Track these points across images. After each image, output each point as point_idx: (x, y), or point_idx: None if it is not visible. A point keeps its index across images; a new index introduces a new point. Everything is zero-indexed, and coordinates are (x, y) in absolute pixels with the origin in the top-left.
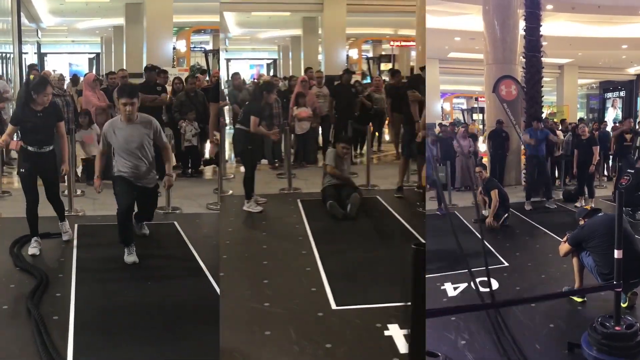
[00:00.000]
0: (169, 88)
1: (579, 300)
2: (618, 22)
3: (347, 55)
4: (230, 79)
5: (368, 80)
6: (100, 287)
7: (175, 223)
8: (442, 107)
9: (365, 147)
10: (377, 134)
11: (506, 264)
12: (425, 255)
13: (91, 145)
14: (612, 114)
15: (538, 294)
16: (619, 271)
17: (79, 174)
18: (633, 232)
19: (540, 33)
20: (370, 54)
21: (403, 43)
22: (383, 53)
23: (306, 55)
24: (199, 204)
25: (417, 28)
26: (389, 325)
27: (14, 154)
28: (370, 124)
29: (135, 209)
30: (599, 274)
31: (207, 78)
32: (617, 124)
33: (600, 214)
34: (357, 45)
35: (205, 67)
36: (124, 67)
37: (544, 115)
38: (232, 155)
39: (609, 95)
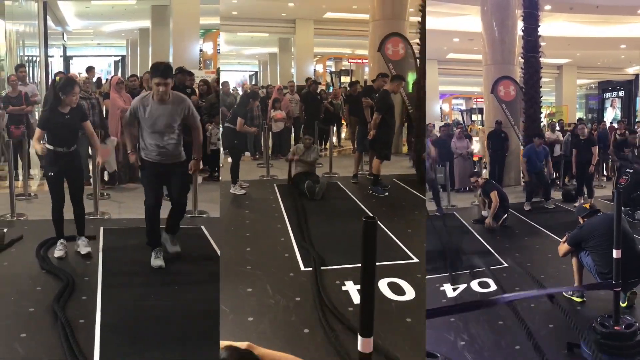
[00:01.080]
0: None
1: (579, 300)
2: (616, 22)
3: (315, 69)
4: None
5: (331, 90)
6: (127, 291)
7: (203, 227)
8: (441, 108)
9: (328, 143)
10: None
11: (505, 265)
12: (375, 226)
13: (109, 161)
14: (611, 114)
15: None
16: (617, 271)
17: (106, 178)
18: (632, 232)
19: (539, 33)
20: (333, 69)
21: (358, 60)
22: (343, 68)
23: (281, 69)
24: None
25: (369, 49)
26: (346, 282)
27: (34, 157)
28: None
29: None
30: (598, 273)
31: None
32: (616, 125)
33: (599, 214)
34: (322, 62)
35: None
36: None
37: (542, 116)
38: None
39: (608, 95)
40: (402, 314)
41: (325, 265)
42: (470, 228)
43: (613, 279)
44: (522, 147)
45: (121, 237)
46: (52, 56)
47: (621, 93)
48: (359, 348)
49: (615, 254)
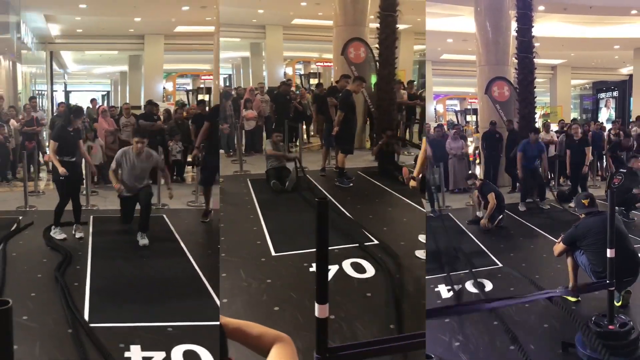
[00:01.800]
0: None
1: (574, 299)
2: (610, 23)
3: (285, 72)
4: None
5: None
6: (109, 263)
7: (164, 216)
8: (435, 109)
9: (298, 140)
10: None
11: (500, 265)
12: (327, 206)
13: (95, 155)
14: (606, 114)
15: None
16: (611, 270)
17: (95, 179)
18: (627, 231)
19: (533, 34)
20: (302, 72)
21: (325, 64)
22: (311, 71)
23: (254, 72)
24: (182, 202)
25: (334, 53)
26: (313, 264)
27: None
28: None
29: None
30: (593, 272)
31: (186, 109)
32: (610, 125)
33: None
34: (292, 65)
35: (186, 102)
36: (127, 101)
37: (537, 117)
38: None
39: (602, 95)
40: (363, 289)
41: (293, 250)
42: (464, 229)
43: (607, 278)
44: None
45: (106, 223)
46: (56, 91)
47: (615, 93)
48: (316, 314)
49: (609, 253)
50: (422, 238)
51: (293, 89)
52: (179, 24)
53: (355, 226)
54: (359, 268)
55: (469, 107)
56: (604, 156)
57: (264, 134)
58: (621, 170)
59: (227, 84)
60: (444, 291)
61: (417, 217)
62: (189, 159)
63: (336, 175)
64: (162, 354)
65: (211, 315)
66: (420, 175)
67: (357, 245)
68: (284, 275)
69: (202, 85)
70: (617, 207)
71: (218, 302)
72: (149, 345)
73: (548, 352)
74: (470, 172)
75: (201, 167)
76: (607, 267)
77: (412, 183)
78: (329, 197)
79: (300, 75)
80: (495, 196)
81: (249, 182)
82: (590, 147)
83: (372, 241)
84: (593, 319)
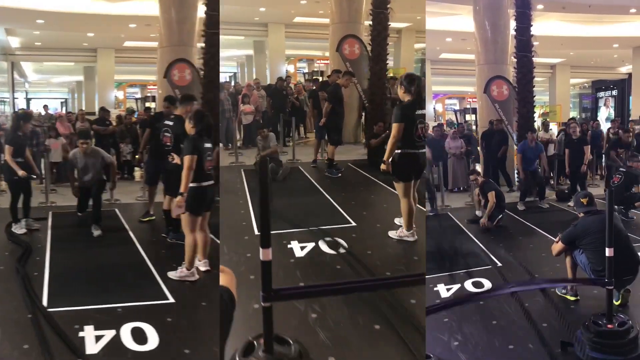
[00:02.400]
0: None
1: (572, 298)
2: (609, 22)
3: (287, 70)
4: None
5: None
6: (66, 253)
7: (116, 210)
8: (434, 108)
9: (291, 134)
10: (301, 124)
11: (500, 264)
12: (267, 163)
13: (56, 151)
14: (605, 113)
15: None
16: (610, 269)
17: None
18: (626, 230)
19: (531, 33)
20: (306, 70)
21: (326, 62)
22: (315, 69)
23: (257, 69)
24: (131, 197)
25: (330, 49)
26: (291, 242)
27: None
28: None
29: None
30: (592, 271)
31: (135, 115)
32: (609, 124)
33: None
34: (294, 62)
35: (136, 109)
36: (83, 108)
37: (536, 116)
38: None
39: (601, 94)
40: (334, 264)
41: (275, 229)
42: (464, 228)
43: (606, 277)
44: (515, 146)
45: (63, 218)
46: (17, 98)
47: (614, 92)
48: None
49: (608, 252)
50: (397, 221)
51: (292, 85)
52: (127, 39)
53: (335, 210)
54: (335, 245)
55: (468, 106)
56: (603, 155)
57: None
58: (620, 169)
59: (235, 81)
60: (443, 290)
61: (396, 203)
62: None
63: (325, 167)
64: (113, 332)
65: (155, 296)
66: (390, 159)
67: (335, 226)
68: None
69: (149, 94)
70: (616, 207)
71: (163, 286)
72: (100, 325)
73: (547, 351)
74: (472, 168)
75: (145, 168)
76: (606, 266)
77: (382, 166)
78: (317, 186)
79: (304, 73)
80: (495, 195)
81: (242, 172)
82: (589, 146)
83: (350, 223)
84: (592, 318)
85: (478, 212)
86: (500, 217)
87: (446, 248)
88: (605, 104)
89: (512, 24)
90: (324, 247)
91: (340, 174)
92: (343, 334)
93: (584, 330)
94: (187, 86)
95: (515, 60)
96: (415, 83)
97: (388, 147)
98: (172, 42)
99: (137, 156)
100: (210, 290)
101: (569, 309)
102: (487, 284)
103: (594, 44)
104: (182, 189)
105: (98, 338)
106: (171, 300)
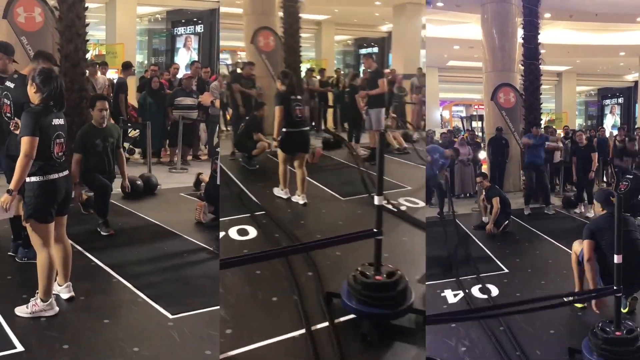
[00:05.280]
0: None
1: (580, 305)
2: (615, 30)
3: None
4: None
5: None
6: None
7: None
8: (441, 115)
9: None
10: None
11: (506, 270)
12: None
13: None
14: (611, 121)
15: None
16: (618, 276)
17: None
18: None
19: (539, 41)
20: (229, 61)
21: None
22: (238, 60)
23: None
24: None
25: (245, 41)
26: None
27: None
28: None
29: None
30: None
31: None
32: (615, 132)
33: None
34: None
35: None
36: None
37: (542, 123)
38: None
39: (608, 102)
40: (244, 248)
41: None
42: (470, 234)
43: (614, 284)
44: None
45: None
46: None
47: (620, 100)
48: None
49: (617, 259)
50: (294, 198)
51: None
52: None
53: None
54: (243, 232)
55: (474, 113)
56: (609, 162)
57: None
58: (627, 176)
59: None
60: (451, 296)
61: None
62: None
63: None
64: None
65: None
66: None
67: (248, 215)
68: None
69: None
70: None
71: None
72: None
73: (554, 358)
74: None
75: None
76: (614, 273)
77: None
78: (233, 177)
79: (227, 65)
80: (500, 201)
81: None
82: (597, 153)
83: (262, 211)
84: (600, 325)
85: (484, 218)
86: (506, 223)
87: (454, 254)
88: (611, 112)
89: (520, 32)
90: (234, 235)
91: (257, 166)
92: None
93: (591, 337)
94: (272, 52)
95: (523, 67)
96: (288, 77)
97: (275, 127)
98: (255, 10)
99: None
100: (77, 328)
101: (577, 316)
102: (495, 291)
103: (601, 52)
104: (12, 185)
105: None
106: (19, 348)
